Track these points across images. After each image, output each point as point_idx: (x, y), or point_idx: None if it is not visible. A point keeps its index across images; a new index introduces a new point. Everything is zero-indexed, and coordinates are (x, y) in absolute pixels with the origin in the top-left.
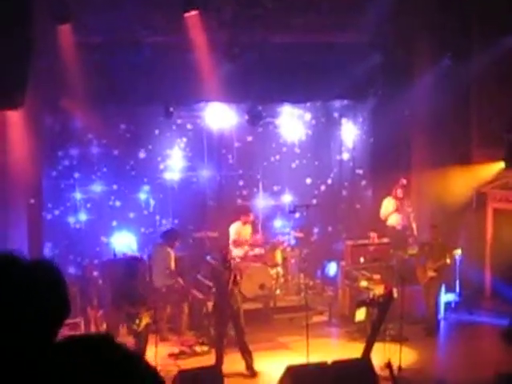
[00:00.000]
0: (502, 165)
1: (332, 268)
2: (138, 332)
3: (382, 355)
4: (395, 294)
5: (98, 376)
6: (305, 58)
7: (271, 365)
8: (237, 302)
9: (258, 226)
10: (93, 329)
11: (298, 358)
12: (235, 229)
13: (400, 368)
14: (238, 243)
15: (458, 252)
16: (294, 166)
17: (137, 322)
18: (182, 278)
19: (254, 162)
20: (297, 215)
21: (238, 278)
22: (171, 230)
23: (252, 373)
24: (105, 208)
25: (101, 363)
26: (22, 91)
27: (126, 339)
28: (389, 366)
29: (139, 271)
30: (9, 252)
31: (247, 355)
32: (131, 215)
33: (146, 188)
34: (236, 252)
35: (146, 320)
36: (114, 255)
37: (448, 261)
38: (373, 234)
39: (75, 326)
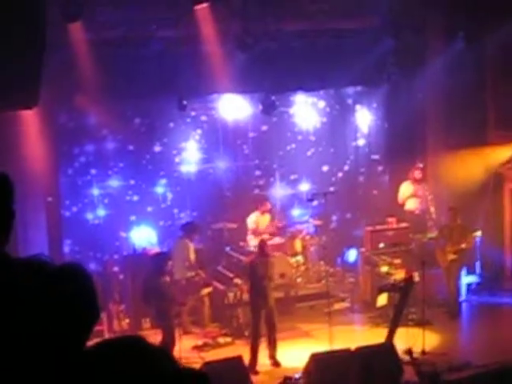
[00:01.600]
0: None
1: (352, 254)
2: (168, 326)
3: (405, 340)
4: (416, 278)
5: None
6: (317, 45)
7: (295, 353)
8: (272, 299)
9: (276, 215)
10: (115, 323)
11: (322, 346)
12: (253, 219)
13: (424, 352)
14: (257, 233)
15: (477, 234)
16: (309, 154)
17: (166, 316)
18: (203, 270)
19: (270, 152)
20: (315, 203)
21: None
22: (190, 222)
23: (275, 362)
24: (123, 203)
25: (135, 369)
26: (36, 90)
27: (149, 333)
28: (409, 352)
29: (168, 266)
30: (36, 257)
31: (272, 347)
32: (149, 209)
33: (163, 181)
34: (254, 242)
35: (174, 314)
36: (134, 250)
37: (466, 245)
38: (391, 219)
39: (98, 322)
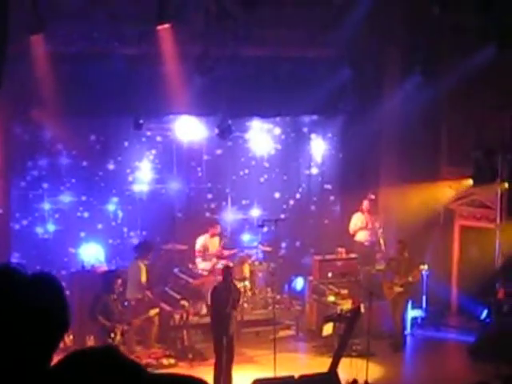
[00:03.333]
0: (469, 182)
1: (299, 283)
2: (112, 344)
3: (349, 370)
4: (362, 309)
5: None
6: (275, 71)
7: (238, 379)
8: (233, 327)
9: (226, 240)
10: None
11: (265, 372)
12: (202, 241)
13: (367, 383)
14: (204, 256)
15: (424, 268)
16: (262, 180)
17: (112, 335)
18: (150, 291)
19: (223, 176)
20: (265, 229)
21: (238, 301)
22: (143, 242)
23: None
24: (73, 219)
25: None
26: None
27: None
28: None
29: (116, 285)
30: (8, 265)
31: (228, 380)
32: (99, 226)
33: (115, 199)
34: (203, 265)
35: (119, 333)
36: (83, 266)
37: (413, 278)
38: (340, 250)
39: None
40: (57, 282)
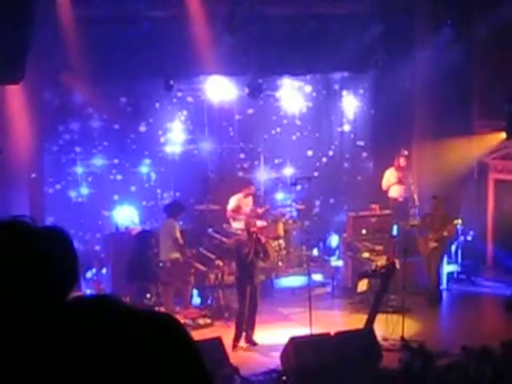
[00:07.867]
0: (503, 135)
1: (334, 240)
2: (150, 306)
3: (385, 326)
4: (397, 265)
5: (110, 335)
6: (304, 29)
7: (274, 336)
8: (258, 276)
9: (259, 199)
10: None
11: (301, 330)
12: (236, 200)
13: (402, 338)
14: (236, 214)
15: (458, 222)
16: (294, 138)
17: (148, 296)
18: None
19: (255, 135)
20: (298, 187)
21: (261, 254)
22: (172, 203)
23: (252, 344)
24: (106, 182)
25: (112, 322)
26: (22, 65)
27: None
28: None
29: (151, 245)
30: (19, 217)
31: (250, 329)
32: (132, 189)
33: (147, 161)
34: (237, 224)
35: (155, 293)
36: (117, 229)
37: (448, 233)
38: (374, 206)
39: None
40: (65, 233)
